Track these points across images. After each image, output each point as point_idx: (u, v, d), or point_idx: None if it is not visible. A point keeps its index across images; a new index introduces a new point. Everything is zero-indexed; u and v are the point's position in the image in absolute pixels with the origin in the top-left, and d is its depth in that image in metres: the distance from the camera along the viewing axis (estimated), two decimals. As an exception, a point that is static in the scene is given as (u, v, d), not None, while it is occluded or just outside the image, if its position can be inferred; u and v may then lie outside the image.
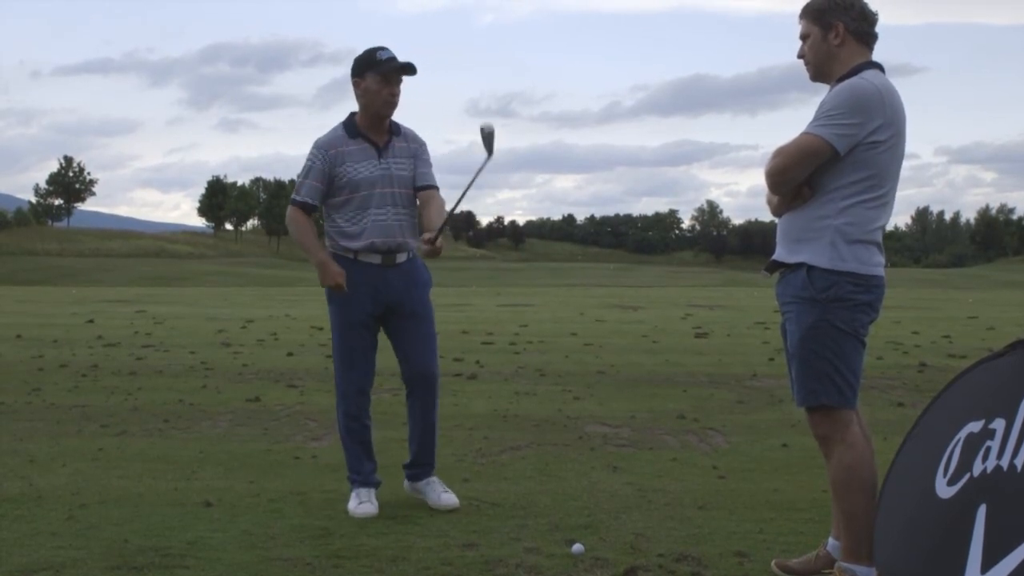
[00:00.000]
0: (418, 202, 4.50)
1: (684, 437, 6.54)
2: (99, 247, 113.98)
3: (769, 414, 7.59)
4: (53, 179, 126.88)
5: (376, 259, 4.41)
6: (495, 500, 4.64)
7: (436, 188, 4.51)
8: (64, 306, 28.24)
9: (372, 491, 4.49)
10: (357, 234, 4.39)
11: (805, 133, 3.27)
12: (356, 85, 4.39)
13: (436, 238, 4.16)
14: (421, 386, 4.54)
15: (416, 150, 4.51)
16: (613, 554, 3.78)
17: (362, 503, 4.39)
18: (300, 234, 4.45)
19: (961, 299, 38.91)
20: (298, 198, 4.44)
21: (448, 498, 4.46)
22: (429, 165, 4.56)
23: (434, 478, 4.59)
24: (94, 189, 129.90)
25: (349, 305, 4.43)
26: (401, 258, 4.47)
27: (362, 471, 4.52)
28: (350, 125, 4.46)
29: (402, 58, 4.42)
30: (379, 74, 4.33)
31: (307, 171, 4.42)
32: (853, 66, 3.36)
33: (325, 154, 4.39)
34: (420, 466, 4.62)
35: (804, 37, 3.45)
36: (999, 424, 3.08)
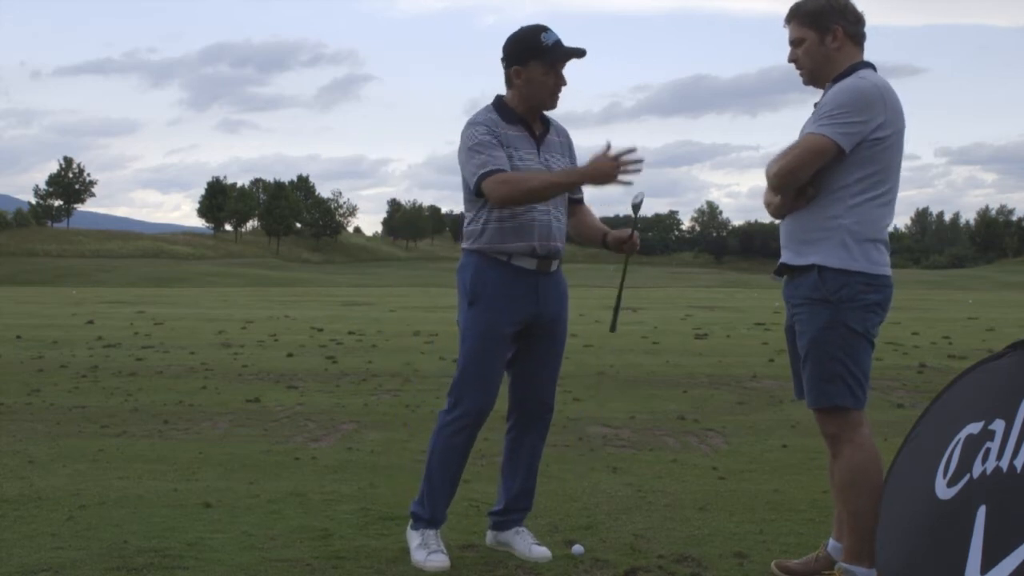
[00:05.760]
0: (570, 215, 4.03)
1: (684, 438, 6.54)
2: (99, 248, 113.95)
3: (769, 415, 7.59)
4: (53, 180, 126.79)
5: (532, 264, 3.81)
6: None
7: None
8: (64, 307, 28.25)
9: (439, 535, 3.82)
10: (514, 232, 3.79)
11: (810, 133, 3.27)
12: (516, 74, 3.75)
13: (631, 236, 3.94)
14: (541, 419, 3.99)
15: (566, 145, 3.98)
16: (613, 555, 3.78)
17: (432, 552, 3.68)
18: (521, 181, 3.66)
19: (961, 300, 38.94)
20: (488, 169, 3.65)
21: (540, 551, 3.80)
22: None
23: (523, 528, 3.97)
24: (94, 190, 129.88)
25: (498, 311, 3.77)
26: (554, 265, 3.91)
27: (436, 509, 3.83)
28: (504, 108, 3.81)
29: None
30: (545, 64, 3.73)
31: (479, 145, 3.69)
32: (848, 66, 3.37)
33: (491, 130, 3.73)
34: (516, 512, 3.98)
35: (797, 42, 3.43)
36: (999, 425, 3.08)
